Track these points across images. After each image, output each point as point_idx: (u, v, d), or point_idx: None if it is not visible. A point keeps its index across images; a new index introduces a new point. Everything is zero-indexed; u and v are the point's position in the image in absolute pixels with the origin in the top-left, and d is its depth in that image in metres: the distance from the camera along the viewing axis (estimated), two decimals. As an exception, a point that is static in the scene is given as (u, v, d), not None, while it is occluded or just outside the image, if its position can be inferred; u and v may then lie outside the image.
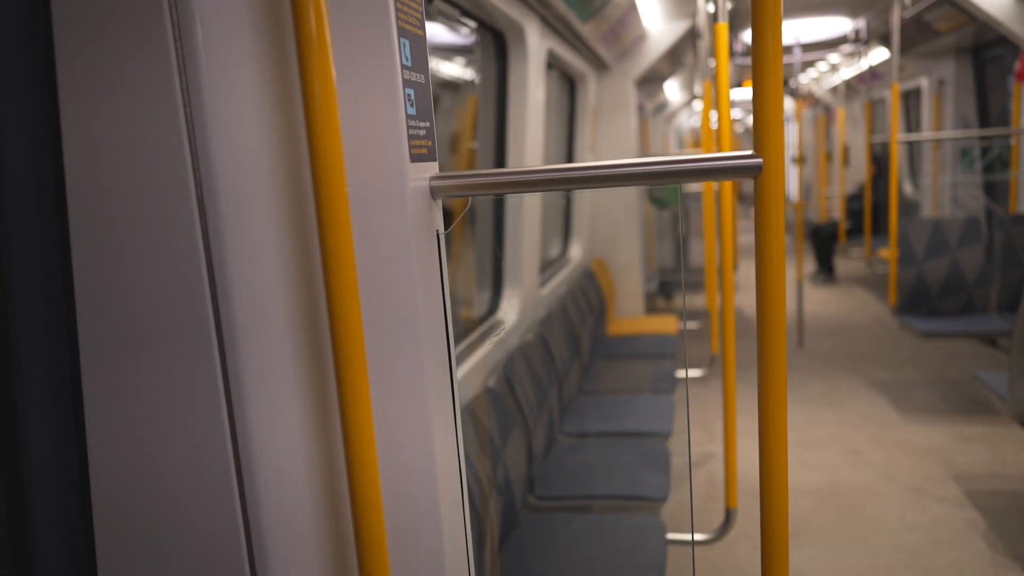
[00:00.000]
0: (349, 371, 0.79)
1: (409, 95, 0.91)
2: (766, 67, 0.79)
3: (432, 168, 0.97)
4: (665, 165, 0.90)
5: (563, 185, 0.95)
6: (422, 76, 0.96)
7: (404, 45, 0.90)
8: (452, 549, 0.94)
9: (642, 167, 0.90)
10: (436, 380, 0.92)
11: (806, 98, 10.53)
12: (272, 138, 0.81)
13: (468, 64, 4.14)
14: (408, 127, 0.89)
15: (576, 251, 4.52)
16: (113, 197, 0.77)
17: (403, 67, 0.89)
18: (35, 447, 0.79)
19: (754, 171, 0.83)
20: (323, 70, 0.75)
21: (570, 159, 4.54)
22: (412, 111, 0.92)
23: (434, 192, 0.96)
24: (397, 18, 0.88)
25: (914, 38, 5.27)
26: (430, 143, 0.98)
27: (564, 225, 4.59)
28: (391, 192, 0.87)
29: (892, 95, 4.21)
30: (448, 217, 1.04)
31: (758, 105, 0.80)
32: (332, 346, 0.79)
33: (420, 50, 0.96)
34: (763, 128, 0.81)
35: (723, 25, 2.02)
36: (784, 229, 0.84)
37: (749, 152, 0.83)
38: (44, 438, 0.80)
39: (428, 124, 0.98)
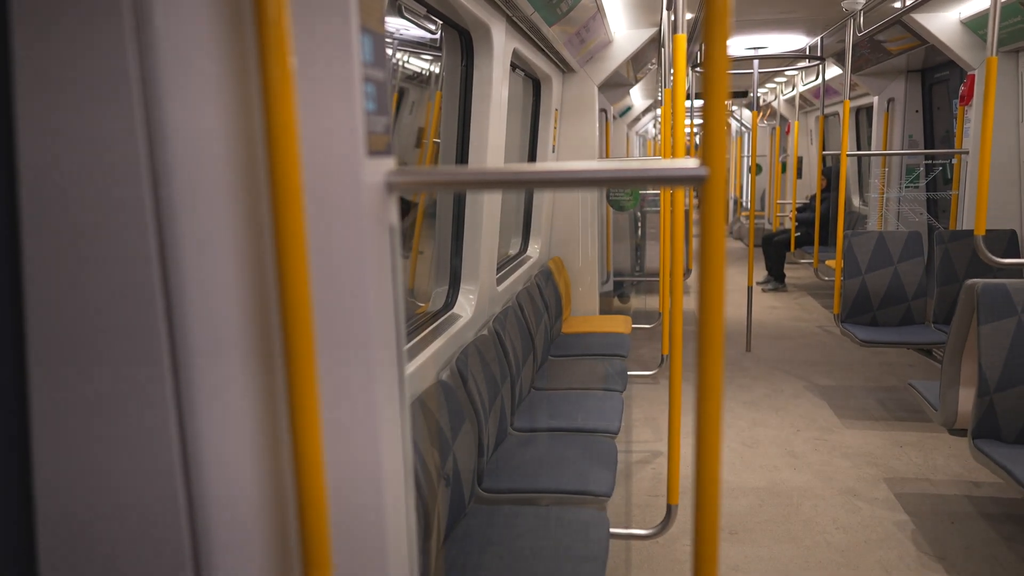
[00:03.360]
0: (298, 364, 0.79)
1: (369, 91, 0.93)
2: (714, 81, 0.82)
3: (389, 163, 0.99)
4: (615, 172, 0.94)
5: (516, 186, 0.98)
6: (382, 72, 0.99)
7: (365, 42, 0.93)
8: (395, 540, 0.96)
9: (593, 172, 0.94)
10: (385, 375, 0.93)
11: (763, 110, 10.78)
12: (228, 128, 0.81)
13: (436, 60, 4.15)
14: (367, 122, 0.92)
15: (535, 249, 4.57)
16: (68, 194, 0.77)
17: (364, 63, 0.91)
18: None
19: (699, 180, 0.86)
20: (282, 62, 0.76)
21: (532, 159, 4.59)
22: (372, 107, 0.94)
23: (390, 187, 0.98)
24: (359, 15, 0.90)
25: (867, 57, 5.46)
26: (388, 139, 1.00)
27: (524, 223, 4.63)
28: (347, 186, 0.89)
29: (843, 112, 4.36)
30: (409, 208, 1.07)
31: (706, 117, 0.83)
32: (282, 338, 0.80)
33: (380, 47, 0.98)
34: (710, 139, 0.85)
35: (681, 36, 2.08)
36: (725, 235, 0.88)
37: (696, 162, 0.86)
38: None
39: (386, 120, 1.00)
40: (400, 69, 4.74)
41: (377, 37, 0.97)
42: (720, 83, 0.84)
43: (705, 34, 0.84)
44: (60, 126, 0.77)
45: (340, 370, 0.89)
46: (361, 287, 0.90)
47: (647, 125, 14.02)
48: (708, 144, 0.85)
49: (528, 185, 0.96)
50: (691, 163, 0.87)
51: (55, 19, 0.75)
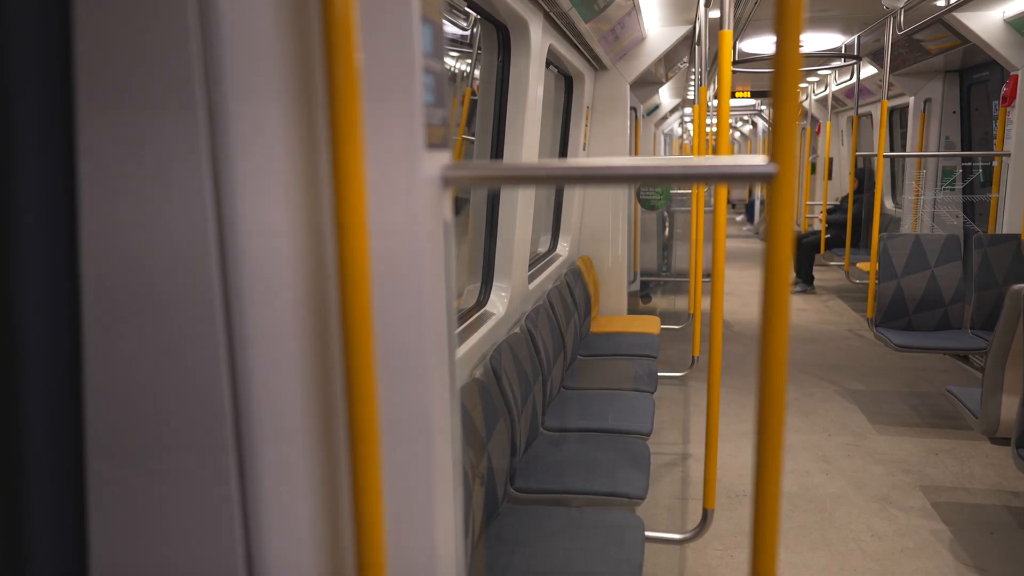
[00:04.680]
0: (356, 358, 0.78)
1: (428, 82, 0.92)
2: (786, 77, 0.79)
3: (445, 157, 0.98)
4: (682, 168, 0.91)
5: (575, 182, 0.96)
6: (440, 63, 0.97)
7: (425, 32, 0.91)
8: (443, 536, 0.95)
9: (658, 168, 0.92)
10: (437, 371, 0.93)
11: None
12: (292, 118, 0.81)
13: (463, 56, 4.14)
14: (426, 114, 0.90)
15: (564, 247, 4.54)
16: (122, 191, 0.77)
17: (424, 54, 0.90)
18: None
19: (768, 178, 0.83)
20: (348, 59, 0.75)
21: (563, 156, 4.56)
22: (430, 98, 0.93)
23: (446, 181, 0.96)
24: (421, 5, 0.89)
25: (904, 57, 5.36)
26: (444, 131, 0.98)
27: (554, 221, 4.61)
28: (405, 179, 0.88)
29: (880, 112, 4.28)
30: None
31: (776, 114, 0.81)
32: (341, 332, 0.79)
33: (439, 37, 0.97)
34: (780, 136, 0.82)
35: (727, 32, 2.04)
36: (792, 234, 0.85)
37: (764, 159, 0.84)
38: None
39: (444, 112, 0.98)
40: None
41: (436, 27, 0.96)
42: (791, 78, 0.81)
43: (777, 28, 0.81)
44: (119, 137, 0.76)
45: (394, 366, 0.89)
46: (417, 282, 0.89)
47: (672, 124, 13.91)
48: (777, 141, 0.82)
49: (591, 182, 0.94)
50: (759, 160, 0.85)
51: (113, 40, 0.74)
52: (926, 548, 2.82)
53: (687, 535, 2.48)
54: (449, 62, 4.75)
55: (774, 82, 0.81)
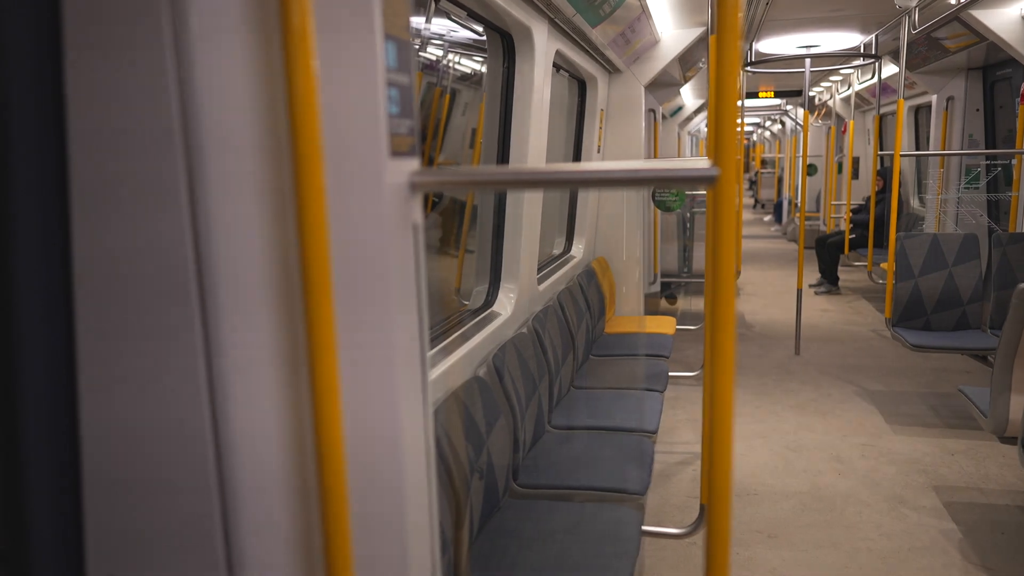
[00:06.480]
0: (321, 363, 0.83)
1: (392, 95, 0.99)
2: (725, 82, 0.84)
3: (413, 164, 1.04)
4: (627, 172, 0.97)
5: (533, 186, 1.02)
6: (407, 77, 1.04)
7: (389, 48, 0.98)
8: (416, 529, 0.99)
9: (606, 173, 0.97)
10: (408, 373, 0.95)
11: (819, 108, 10.54)
12: (257, 129, 0.87)
13: (486, 61, 4.22)
14: (389, 125, 0.97)
15: (578, 249, 4.59)
16: (113, 198, 0.83)
17: (387, 69, 0.96)
18: (32, 419, 0.85)
19: (710, 181, 0.87)
20: (306, 69, 0.82)
21: (577, 159, 4.61)
22: (395, 110, 0.99)
23: (413, 187, 1.03)
24: (383, 23, 0.96)
25: (924, 55, 5.30)
26: (412, 140, 1.05)
27: (568, 223, 4.66)
28: (370, 185, 0.94)
29: (898, 111, 4.26)
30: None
31: (717, 118, 0.85)
32: (307, 336, 0.83)
33: (405, 53, 1.03)
34: (721, 140, 0.86)
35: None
36: (735, 237, 0.89)
37: (708, 162, 0.88)
38: (40, 406, 0.85)
39: (410, 122, 1.05)
40: (451, 70, 4.81)
41: (402, 43, 1.02)
42: (731, 84, 0.86)
43: (718, 36, 0.86)
44: (104, 131, 0.83)
45: (363, 368, 0.92)
46: (384, 284, 0.95)
47: (700, 125, 13.85)
48: (718, 144, 0.87)
49: (545, 185, 1.00)
50: (702, 163, 0.89)
51: (104, 28, 0.82)
52: (934, 547, 2.81)
53: (684, 530, 2.51)
54: (474, 65, 4.83)
55: (715, 87, 0.86)
